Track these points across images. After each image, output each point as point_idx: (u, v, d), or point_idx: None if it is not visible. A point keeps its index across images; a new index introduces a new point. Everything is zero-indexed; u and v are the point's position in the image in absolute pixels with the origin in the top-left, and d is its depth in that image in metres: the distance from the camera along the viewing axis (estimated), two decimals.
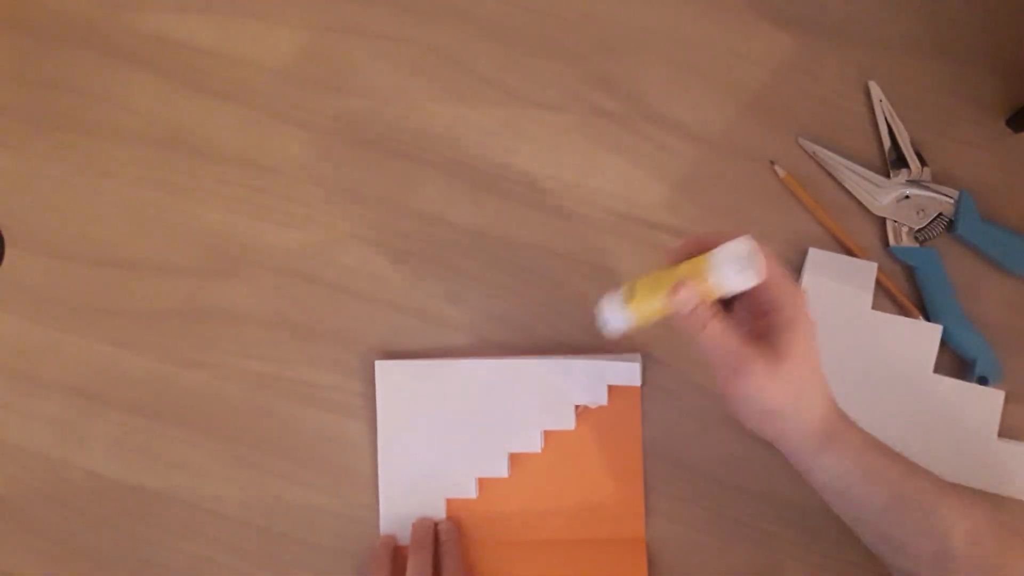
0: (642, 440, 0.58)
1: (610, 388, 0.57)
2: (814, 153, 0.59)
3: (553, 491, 0.59)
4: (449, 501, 0.59)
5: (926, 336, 0.56)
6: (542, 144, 0.61)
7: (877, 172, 0.58)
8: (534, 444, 0.58)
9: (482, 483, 0.59)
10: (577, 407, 0.58)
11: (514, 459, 0.59)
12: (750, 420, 0.47)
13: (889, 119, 0.59)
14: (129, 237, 0.62)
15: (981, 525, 0.46)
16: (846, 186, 0.59)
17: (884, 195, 0.58)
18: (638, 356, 0.58)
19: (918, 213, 0.58)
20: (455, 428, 0.58)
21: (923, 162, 0.58)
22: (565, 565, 0.58)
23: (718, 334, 0.45)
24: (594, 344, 0.59)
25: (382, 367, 0.59)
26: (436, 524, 0.58)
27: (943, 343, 0.56)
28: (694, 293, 0.44)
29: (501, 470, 0.58)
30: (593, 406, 0.58)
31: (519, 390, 0.58)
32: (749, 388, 0.45)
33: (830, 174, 0.59)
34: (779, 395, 0.45)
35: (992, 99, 0.59)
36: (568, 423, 0.57)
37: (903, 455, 0.49)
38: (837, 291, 0.56)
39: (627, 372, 0.57)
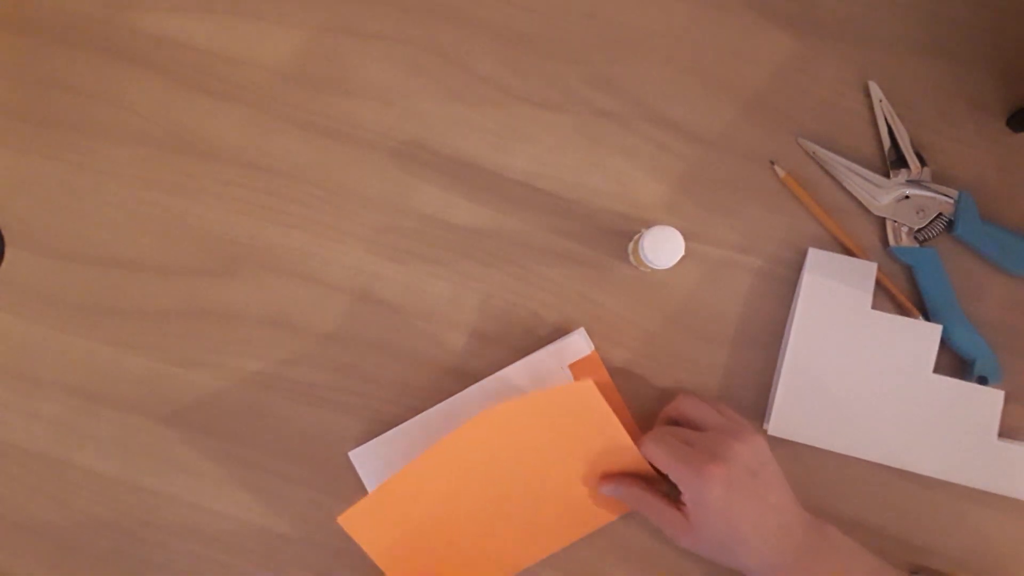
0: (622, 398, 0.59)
1: (571, 366, 0.58)
2: (814, 153, 0.59)
3: (565, 482, 0.58)
4: None
5: (926, 336, 0.56)
6: (542, 144, 0.61)
7: (877, 172, 0.58)
8: None
9: None
10: None
11: None
12: (701, 555, 0.54)
13: (889, 119, 0.59)
14: (129, 237, 0.62)
15: None
16: (846, 186, 0.59)
17: (884, 195, 0.58)
18: (581, 328, 0.58)
19: (918, 213, 0.58)
20: None
21: (923, 162, 0.58)
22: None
23: (640, 495, 0.55)
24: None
25: (357, 456, 0.58)
26: None
27: (943, 343, 0.56)
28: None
29: None
30: None
31: None
32: (677, 540, 0.53)
33: (830, 174, 0.59)
34: (702, 546, 0.53)
35: (992, 99, 0.59)
36: None
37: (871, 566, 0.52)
38: (837, 291, 0.56)
39: (577, 344, 0.58)
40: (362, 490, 0.59)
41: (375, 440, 0.59)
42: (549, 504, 0.58)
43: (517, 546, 0.58)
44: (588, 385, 0.54)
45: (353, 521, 0.56)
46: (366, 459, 0.59)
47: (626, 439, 0.55)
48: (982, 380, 0.56)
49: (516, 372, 0.58)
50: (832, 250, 0.58)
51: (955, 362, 0.58)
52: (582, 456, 0.56)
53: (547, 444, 0.56)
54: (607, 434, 0.56)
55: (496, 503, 0.57)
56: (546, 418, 0.55)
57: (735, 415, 0.55)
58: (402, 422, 0.59)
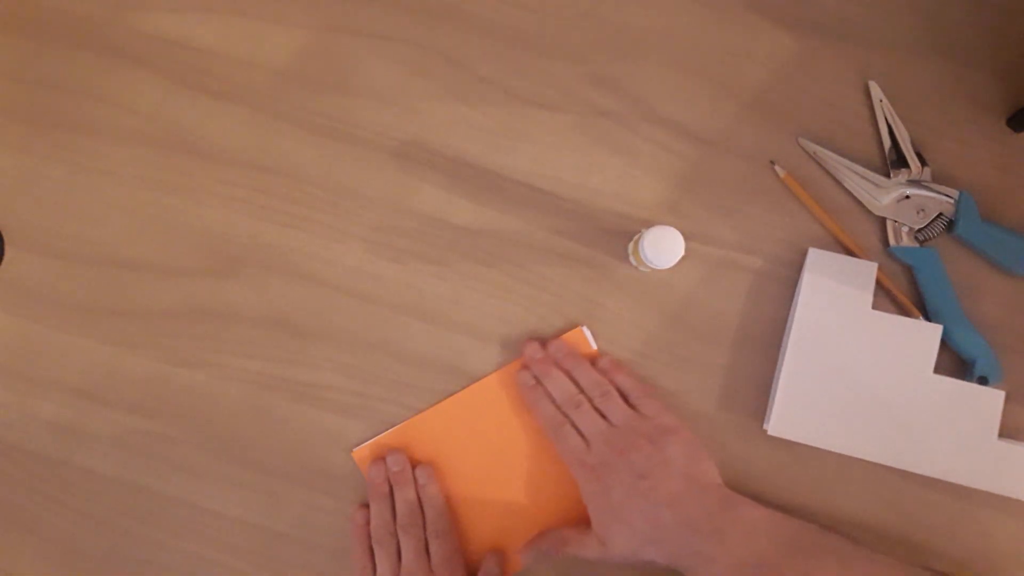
0: None
1: None
2: (814, 153, 0.59)
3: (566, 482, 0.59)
4: None
5: (926, 336, 0.56)
6: (542, 144, 0.61)
7: (877, 172, 0.58)
8: None
9: None
10: None
11: None
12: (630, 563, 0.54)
13: (889, 119, 0.59)
14: (129, 237, 0.62)
15: None
16: (846, 186, 0.59)
17: (884, 195, 0.58)
18: (584, 328, 0.59)
19: (918, 213, 0.58)
20: None
21: (923, 162, 0.58)
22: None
23: (552, 543, 0.56)
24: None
25: (359, 455, 0.59)
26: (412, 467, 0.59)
27: (943, 343, 0.56)
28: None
29: None
30: None
31: None
32: (598, 557, 0.54)
33: (830, 174, 0.59)
34: (617, 554, 0.53)
35: (992, 99, 0.59)
36: None
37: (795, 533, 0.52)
38: (837, 291, 0.56)
39: (582, 344, 0.59)
40: (362, 490, 0.60)
41: (375, 440, 0.59)
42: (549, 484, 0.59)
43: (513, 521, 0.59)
44: (578, 331, 0.58)
45: (364, 457, 0.59)
46: (367, 459, 0.59)
47: None
48: (982, 380, 0.56)
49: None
50: (832, 250, 0.58)
51: (955, 362, 0.58)
52: None
53: None
54: None
55: (500, 472, 0.59)
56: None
57: (632, 382, 0.57)
58: (402, 422, 0.59)
